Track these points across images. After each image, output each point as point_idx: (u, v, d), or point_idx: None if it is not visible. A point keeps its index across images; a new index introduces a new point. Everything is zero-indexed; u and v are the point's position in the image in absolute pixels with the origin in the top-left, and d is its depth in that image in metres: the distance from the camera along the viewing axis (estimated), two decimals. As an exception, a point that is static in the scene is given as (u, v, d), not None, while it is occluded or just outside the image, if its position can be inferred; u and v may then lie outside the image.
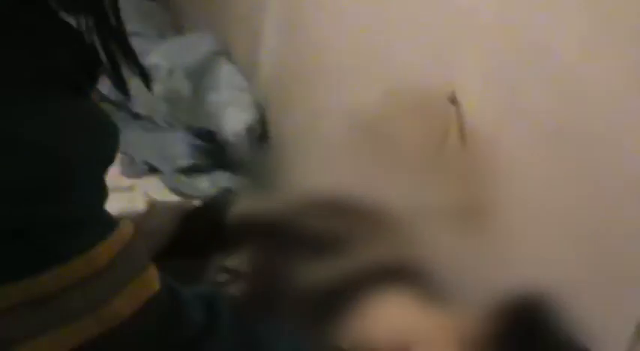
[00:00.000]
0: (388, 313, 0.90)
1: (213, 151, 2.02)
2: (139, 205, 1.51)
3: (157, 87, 2.12)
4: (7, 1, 0.50)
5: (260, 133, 2.03)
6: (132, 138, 1.94)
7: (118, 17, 0.59)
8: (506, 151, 1.04)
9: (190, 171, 1.95)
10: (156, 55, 2.11)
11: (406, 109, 1.28)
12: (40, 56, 0.52)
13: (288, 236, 1.07)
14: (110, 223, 0.57)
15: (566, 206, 0.92)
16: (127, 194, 1.76)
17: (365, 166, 1.45)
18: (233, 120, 2.00)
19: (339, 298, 0.94)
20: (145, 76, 0.65)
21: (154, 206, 1.20)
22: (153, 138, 2.04)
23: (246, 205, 1.18)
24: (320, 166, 1.68)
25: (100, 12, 0.58)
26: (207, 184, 1.91)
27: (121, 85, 0.61)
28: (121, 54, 0.60)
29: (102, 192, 0.58)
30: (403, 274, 1.00)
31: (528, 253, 0.99)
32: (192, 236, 1.15)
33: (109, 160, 0.58)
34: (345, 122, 1.53)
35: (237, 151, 1.99)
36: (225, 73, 2.11)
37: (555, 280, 0.92)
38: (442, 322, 0.86)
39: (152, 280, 0.59)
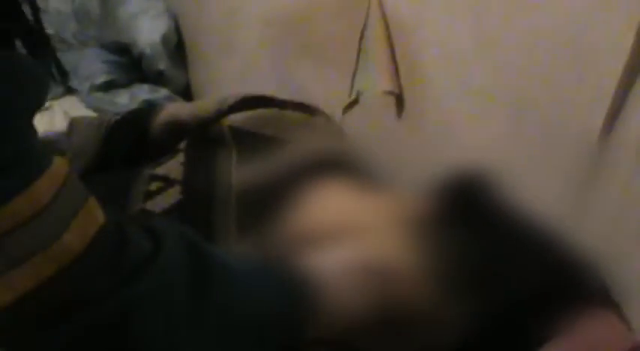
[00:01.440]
0: (327, 202, 0.89)
1: (129, 65, 1.98)
2: (60, 124, 1.48)
3: (65, 5, 2.05)
4: None
5: (175, 42, 1.98)
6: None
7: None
8: (429, 32, 1.03)
9: (108, 87, 1.91)
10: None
11: (325, 0, 1.26)
12: None
13: (218, 139, 1.05)
14: (44, 159, 0.55)
15: (491, 79, 0.92)
16: (47, 115, 1.71)
17: (287, 62, 1.43)
18: (147, 30, 1.95)
19: (276, 193, 0.94)
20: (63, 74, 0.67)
21: (74, 123, 1.16)
22: (66, 58, 1.97)
23: (171, 112, 1.15)
24: (240, 67, 1.65)
25: None
26: (126, 99, 1.87)
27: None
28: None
29: (33, 132, 0.56)
30: (338, 165, 0.99)
31: (460, 135, 0.99)
32: (118, 149, 1.12)
33: (40, 105, 0.58)
34: (263, 21, 1.50)
35: (154, 62, 1.94)
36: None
37: (490, 154, 0.93)
38: (382, 206, 0.85)
39: (96, 212, 0.58)
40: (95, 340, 0.56)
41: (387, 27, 1.09)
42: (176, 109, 1.14)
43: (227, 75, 1.73)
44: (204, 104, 1.14)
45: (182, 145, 1.06)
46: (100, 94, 1.89)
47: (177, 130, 1.10)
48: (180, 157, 1.03)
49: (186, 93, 2.00)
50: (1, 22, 0.58)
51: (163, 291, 0.59)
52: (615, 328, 0.76)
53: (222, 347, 0.63)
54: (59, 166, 0.56)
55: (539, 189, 0.84)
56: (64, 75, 0.68)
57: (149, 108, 1.21)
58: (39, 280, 0.53)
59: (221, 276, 0.64)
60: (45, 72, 0.58)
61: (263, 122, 1.06)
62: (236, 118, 1.06)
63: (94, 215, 0.57)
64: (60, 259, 0.54)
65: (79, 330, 0.55)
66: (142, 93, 1.90)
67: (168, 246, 0.61)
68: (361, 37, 1.14)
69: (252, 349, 0.65)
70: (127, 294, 0.56)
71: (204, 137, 1.06)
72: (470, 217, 0.81)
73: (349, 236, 0.79)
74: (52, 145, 0.79)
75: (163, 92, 1.91)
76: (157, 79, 1.97)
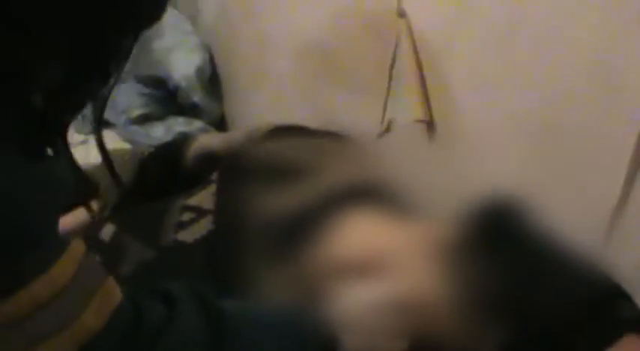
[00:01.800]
0: (358, 233, 0.89)
1: (164, 98, 2.00)
2: (95, 157, 1.48)
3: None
4: None
5: (209, 75, 2.00)
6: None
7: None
8: (458, 61, 1.03)
9: (144, 120, 1.93)
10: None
11: (356, 29, 1.26)
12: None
13: (249, 169, 1.05)
14: (62, 243, 0.58)
15: (518, 109, 0.92)
16: (82, 149, 1.73)
17: (318, 91, 1.43)
18: (181, 63, 1.97)
19: (307, 223, 0.93)
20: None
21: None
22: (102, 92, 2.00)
23: (203, 144, 1.16)
24: (272, 97, 1.66)
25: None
26: (161, 131, 1.89)
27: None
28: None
29: (54, 220, 0.59)
30: (368, 194, 0.99)
31: (489, 161, 0.99)
32: (151, 180, 1.13)
33: (62, 206, 0.61)
34: (294, 51, 1.51)
35: (189, 94, 1.96)
36: (168, 18, 2.06)
37: (518, 182, 0.93)
38: (412, 236, 0.85)
39: (114, 290, 0.60)
40: None
41: (417, 55, 1.09)
42: (208, 140, 1.15)
43: (260, 105, 1.75)
44: (235, 135, 1.15)
45: (214, 175, 1.06)
46: (136, 127, 1.91)
47: (209, 160, 1.11)
48: (213, 188, 1.04)
49: (220, 124, 2.01)
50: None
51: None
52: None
53: None
54: (75, 247, 0.58)
55: (570, 215, 0.84)
56: None
57: (181, 139, 1.22)
58: None
59: (236, 335, 0.65)
60: (67, 176, 0.62)
61: (294, 151, 1.06)
62: (268, 148, 1.06)
63: (111, 294, 0.59)
64: (79, 338, 0.56)
65: None
66: (178, 125, 1.92)
67: (182, 313, 0.62)
68: (392, 66, 1.14)
69: None
70: None
71: (236, 167, 1.06)
72: (500, 244, 0.80)
73: (379, 269, 0.79)
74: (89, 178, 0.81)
75: (198, 124, 1.92)
76: (191, 111, 1.98)
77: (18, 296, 0.53)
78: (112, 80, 0.63)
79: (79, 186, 0.66)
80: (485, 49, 0.97)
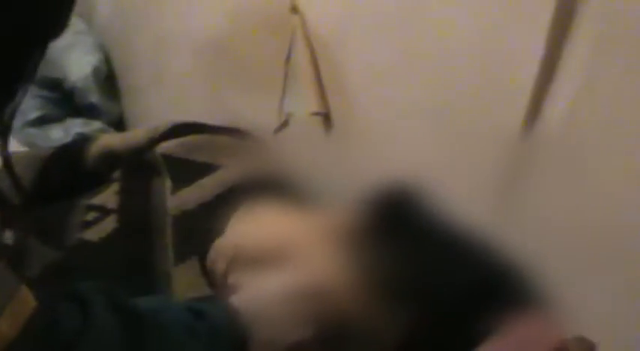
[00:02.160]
0: (259, 224, 0.91)
1: (61, 100, 1.97)
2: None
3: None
4: None
5: (106, 75, 1.98)
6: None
7: None
8: (352, 53, 1.05)
9: (41, 122, 1.90)
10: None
11: (252, 26, 1.28)
12: None
13: (150, 167, 1.06)
14: None
15: (412, 98, 0.95)
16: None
17: (217, 89, 1.44)
18: (77, 64, 1.94)
19: (211, 216, 0.95)
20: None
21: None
22: (-5, 95, 1.96)
23: (104, 143, 1.16)
24: (171, 96, 1.66)
25: None
26: (60, 133, 1.86)
27: None
28: None
29: None
30: (268, 187, 1.01)
31: (386, 150, 1.02)
32: (53, 182, 1.13)
33: None
34: (191, 49, 1.52)
35: (86, 95, 1.94)
36: (61, 19, 2.03)
37: (414, 169, 0.96)
38: (312, 223, 0.87)
39: (27, 297, 0.60)
40: None
41: (311, 48, 1.11)
42: (109, 140, 1.15)
43: (159, 104, 1.74)
44: (136, 133, 1.15)
45: (116, 174, 1.07)
46: (33, 130, 1.88)
47: (111, 159, 1.11)
48: (115, 187, 1.04)
49: (119, 124, 1.99)
50: None
51: None
52: (544, 326, 0.78)
53: None
54: None
55: (465, 198, 0.87)
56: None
57: (82, 140, 1.21)
58: None
59: (152, 333, 0.65)
60: None
61: (194, 148, 1.07)
62: (168, 146, 1.08)
63: (25, 301, 0.59)
64: None
65: None
66: (76, 126, 1.90)
67: (97, 314, 0.62)
68: (287, 60, 1.16)
69: None
70: None
71: (138, 166, 1.07)
72: (399, 228, 0.83)
73: (281, 257, 0.81)
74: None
75: (97, 125, 1.91)
76: (89, 112, 1.96)
77: None
78: (19, 96, 0.63)
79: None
80: (377, 40, 0.99)
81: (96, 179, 1.09)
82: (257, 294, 0.76)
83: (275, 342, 0.74)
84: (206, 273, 0.91)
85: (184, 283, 0.91)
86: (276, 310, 0.74)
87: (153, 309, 0.69)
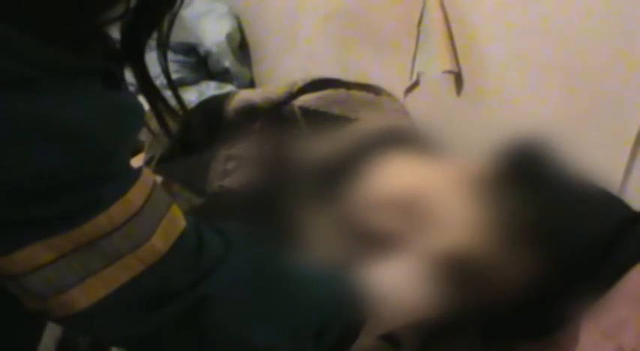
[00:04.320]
0: (394, 174, 0.93)
1: (195, 64, 2.04)
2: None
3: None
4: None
5: (239, 41, 2.05)
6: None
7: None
8: (486, 14, 1.07)
9: (177, 85, 1.97)
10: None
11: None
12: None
13: (288, 119, 1.10)
14: (135, 170, 0.61)
15: (543, 57, 0.96)
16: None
17: (348, 54, 1.47)
18: (212, 31, 2.01)
19: (347, 167, 0.98)
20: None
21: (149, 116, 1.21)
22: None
23: (244, 97, 1.19)
24: (301, 60, 1.70)
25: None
26: (194, 96, 1.94)
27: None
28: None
29: (129, 150, 0.62)
30: (402, 140, 1.03)
31: (519, 105, 1.03)
32: (196, 133, 1.17)
33: (138, 133, 0.63)
34: (324, 16, 1.55)
35: (220, 60, 2.01)
36: (197, -13, 2.11)
37: (546, 123, 0.97)
38: (446, 173, 0.89)
39: (179, 217, 0.63)
40: (175, 331, 0.62)
41: (443, 9, 1.13)
42: (249, 94, 1.19)
43: (290, 69, 1.79)
44: (275, 88, 1.19)
45: (255, 126, 1.11)
46: (169, 93, 1.95)
47: (251, 112, 1.15)
48: (254, 138, 1.09)
49: (250, 88, 2.05)
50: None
51: (233, 288, 0.64)
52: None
53: (285, 339, 0.66)
54: (147, 175, 0.61)
55: (593, 151, 0.89)
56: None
57: (223, 94, 1.25)
58: (129, 277, 0.59)
59: (284, 275, 0.68)
60: (141, 107, 0.62)
61: (332, 102, 1.10)
62: (306, 99, 1.11)
63: (176, 220, 0.62)
64: (148, 258, 0.59)
65: (163, 322, 0.61)
66: (210, 90, 1.97)
67: (237, 248, 0.65)
68: (419, 21, 1.18)
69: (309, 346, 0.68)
70: (201, 292, 0.62)
71: (276, 118, 1.10)
72: (530, 178, 0.84)
73: (418, 206, 0.83)
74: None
75: (229, 88, 1.97)
76: (223, 76, 2.03)
77: (98, 219, 0.56)
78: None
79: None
80: (511, 1, 1.01)
81: (236, 130, 1.13)
82: (389, 277, 0.75)
83: (392, 321, 0.75)
84: (343, 222, 0.93)
85: (321, 232, 0.94)
86: (402, 290, 0.75)
87: (285, 258, 0.71)
